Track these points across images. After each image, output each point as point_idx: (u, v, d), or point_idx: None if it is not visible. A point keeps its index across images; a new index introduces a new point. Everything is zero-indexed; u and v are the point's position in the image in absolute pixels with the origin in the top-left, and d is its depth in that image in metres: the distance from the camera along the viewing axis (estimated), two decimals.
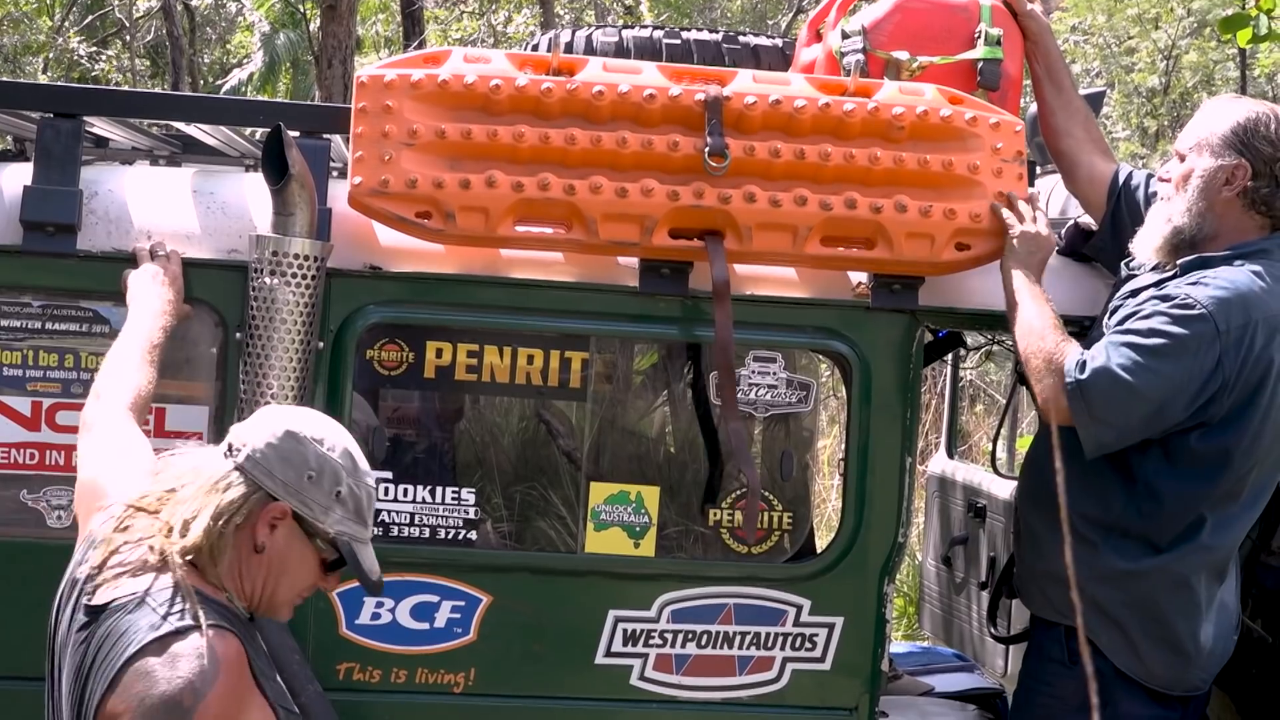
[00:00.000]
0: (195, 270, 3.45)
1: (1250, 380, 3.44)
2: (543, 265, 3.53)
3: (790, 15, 17.10)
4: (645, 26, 4.27)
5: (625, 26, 4.23)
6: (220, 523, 2.51)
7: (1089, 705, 3.53)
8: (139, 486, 2.62)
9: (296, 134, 3.42)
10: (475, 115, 3.39)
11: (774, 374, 3.61)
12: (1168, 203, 3.55)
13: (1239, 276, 3.44)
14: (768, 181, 3.47)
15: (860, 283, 3.60)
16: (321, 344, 3.44)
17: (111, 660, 2.42)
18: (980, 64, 3.71)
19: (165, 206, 3.50)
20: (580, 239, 3.45)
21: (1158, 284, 3.52)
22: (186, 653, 2.39)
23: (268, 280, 3.32)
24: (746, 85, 3.50)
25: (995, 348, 5.99)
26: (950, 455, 6.01)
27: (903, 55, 3.70)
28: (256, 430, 2.58)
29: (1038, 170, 3.91)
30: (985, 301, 3.66)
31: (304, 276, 3.33)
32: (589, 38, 4.17)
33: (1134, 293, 3.56)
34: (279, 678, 2.68)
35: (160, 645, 2.40)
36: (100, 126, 3.90)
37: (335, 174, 3.69)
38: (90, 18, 22.53)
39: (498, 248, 3.48)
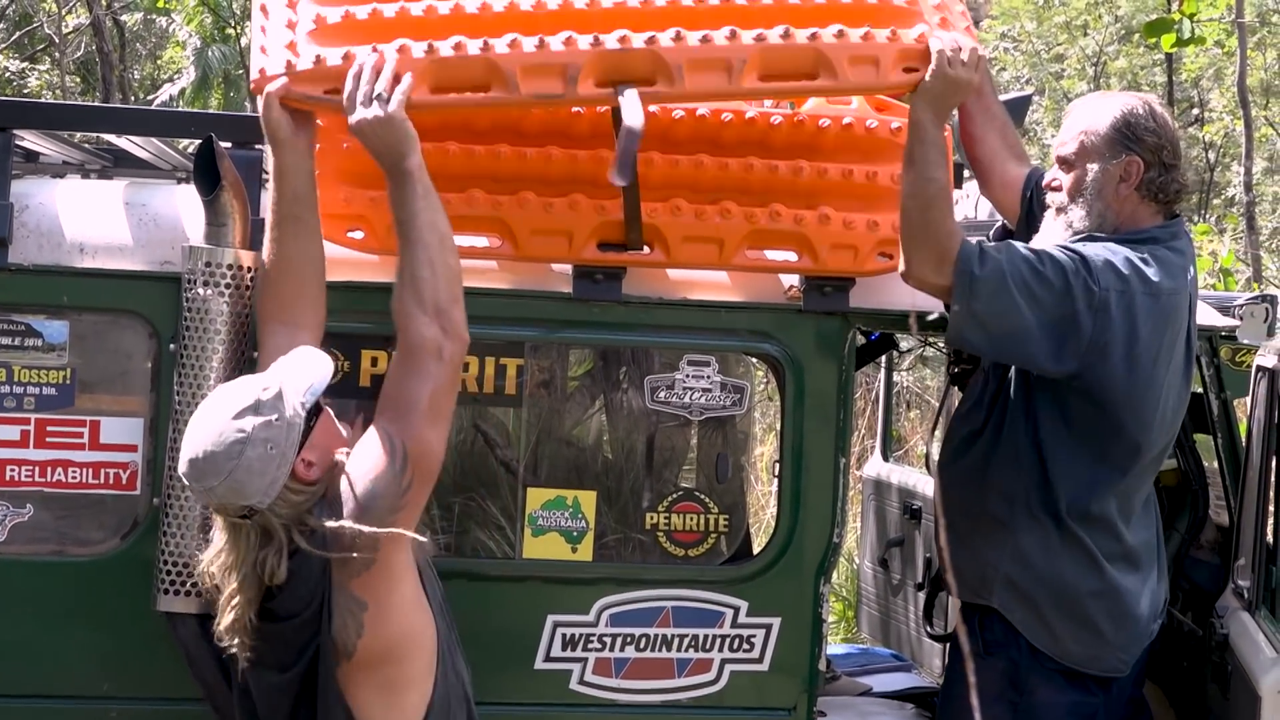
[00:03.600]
0: (128, 282, 3.44)
1: (1117, 344, 3.45)
2: (476, 273, 3.54)
3: None
4: None
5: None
6: None
7: (1006, 692, 3.58)
8: None
9: (228, 145, 3.42)
10: None
11: (708, 377, 3.64)
12: (1065, 212, 3.60)
13: (1122, 251, 3.49)
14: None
15: (792, 286, 3.64)
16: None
17: None
18: None
19: (97, 219, 3.49)
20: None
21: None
22: None
23: (201, 291, 3.31)
24: None
25: (929, 352, 6.05)
26: (885, 458, 6.06)
27: None
28: None
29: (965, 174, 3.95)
30: (917, 303, 3.70)
31: (237, 287, 3.32)
32: None
33: None
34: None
35: None
36: (30, 140, 3.88)
37: (268, 184, 3.69)
38: (18, 34, 22.30)
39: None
